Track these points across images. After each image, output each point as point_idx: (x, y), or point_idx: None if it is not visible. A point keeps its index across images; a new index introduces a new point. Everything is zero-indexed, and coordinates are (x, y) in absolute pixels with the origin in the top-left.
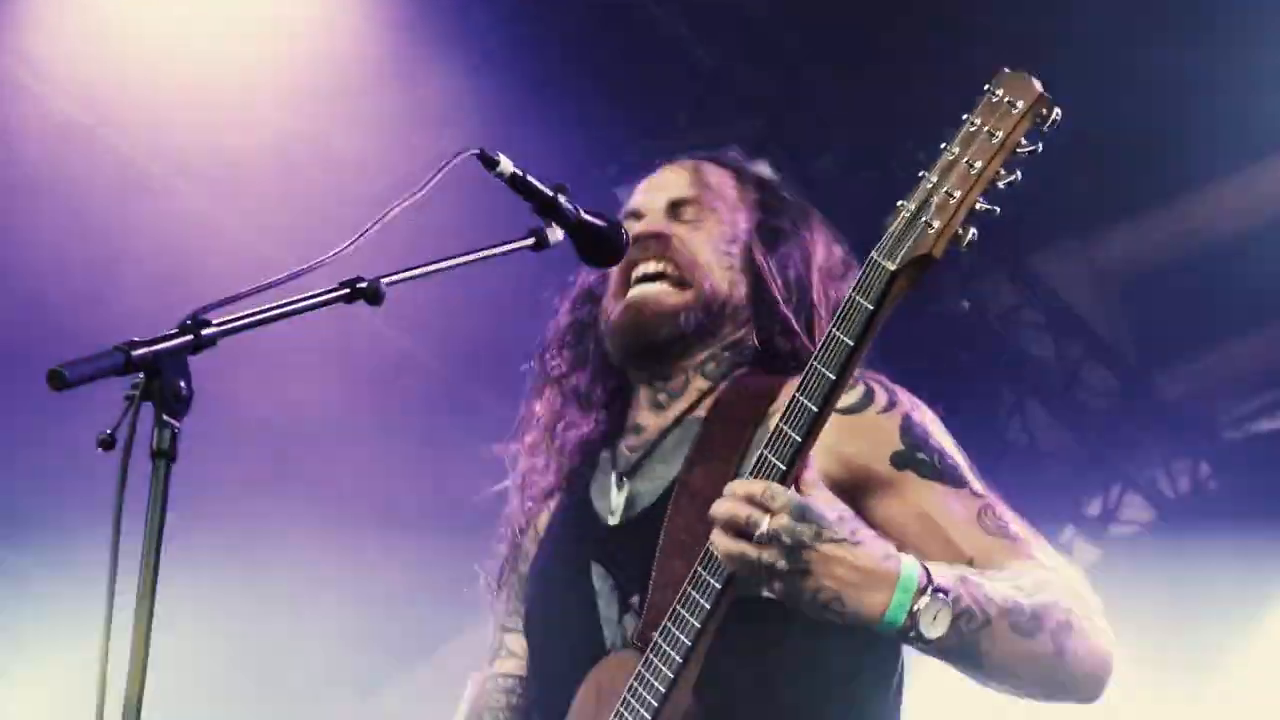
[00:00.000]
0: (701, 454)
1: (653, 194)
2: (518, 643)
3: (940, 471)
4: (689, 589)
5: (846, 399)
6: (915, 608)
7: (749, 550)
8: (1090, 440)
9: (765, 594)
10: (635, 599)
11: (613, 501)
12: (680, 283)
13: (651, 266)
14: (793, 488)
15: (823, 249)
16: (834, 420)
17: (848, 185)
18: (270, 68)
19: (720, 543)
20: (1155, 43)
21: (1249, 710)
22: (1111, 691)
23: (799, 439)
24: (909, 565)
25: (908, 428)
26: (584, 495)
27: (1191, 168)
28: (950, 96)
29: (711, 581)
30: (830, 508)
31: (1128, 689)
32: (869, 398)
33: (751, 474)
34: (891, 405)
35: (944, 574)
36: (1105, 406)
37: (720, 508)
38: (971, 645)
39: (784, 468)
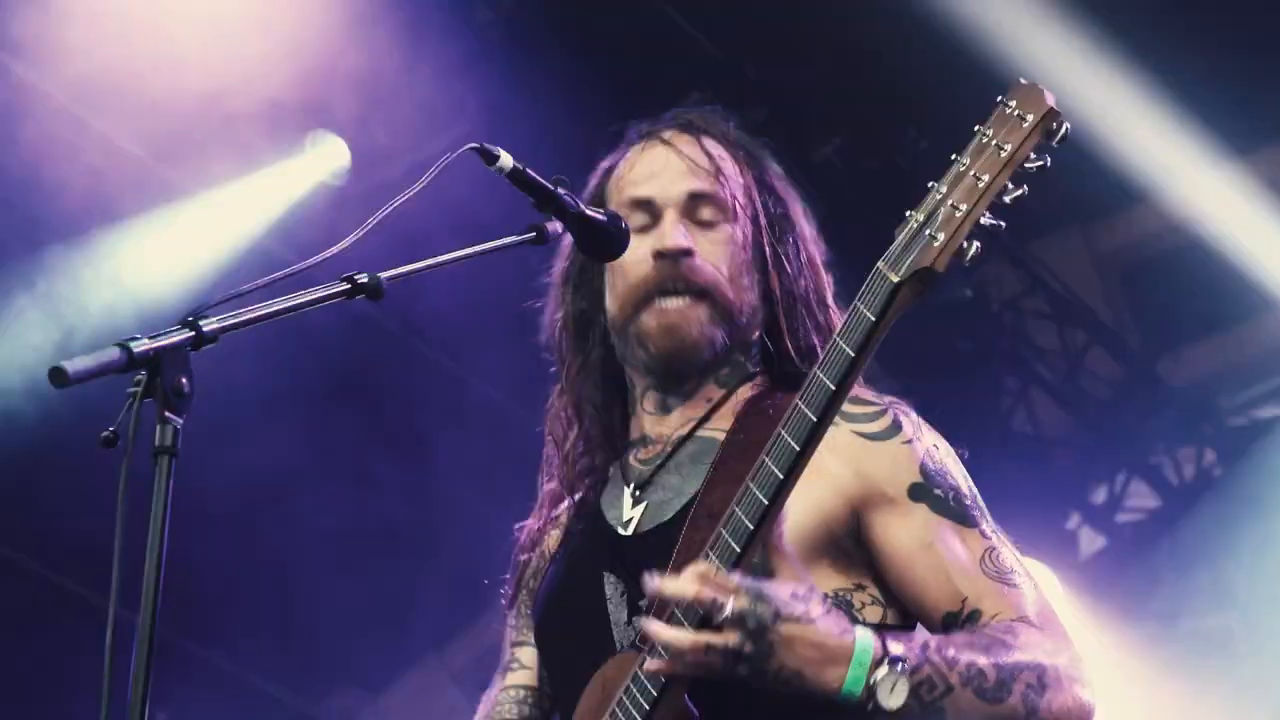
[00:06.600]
0: (721, 476)
1: (668, 182)
2: (529, 655)
3: (953, 509)
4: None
5: (872, 427)
6: (872, 680)
7: (714, 639)
8: (1095, 427)
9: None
10: (643, 603)
11: (625, 512)
12: (704, 295)
13: (682, 285)
14: (762, 549)
15: (805, 222)
16: (859, 442)
17: (850, 175)
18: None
19: (679, 637)
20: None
21: (1255, 696)
22: (1117, 676)
23: (797, 448)
24: (864, 638)
25: (928, 462)
26: (595, 507)
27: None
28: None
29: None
30: (783, 586)
31: (1132, 674)
32: (895, 429)
33: (751, 479)
34: (915, 439)
35: (902, 643)
36: (1109, 394)
37: (675, 588)
38: (936, 712)
39: (781, 476)
